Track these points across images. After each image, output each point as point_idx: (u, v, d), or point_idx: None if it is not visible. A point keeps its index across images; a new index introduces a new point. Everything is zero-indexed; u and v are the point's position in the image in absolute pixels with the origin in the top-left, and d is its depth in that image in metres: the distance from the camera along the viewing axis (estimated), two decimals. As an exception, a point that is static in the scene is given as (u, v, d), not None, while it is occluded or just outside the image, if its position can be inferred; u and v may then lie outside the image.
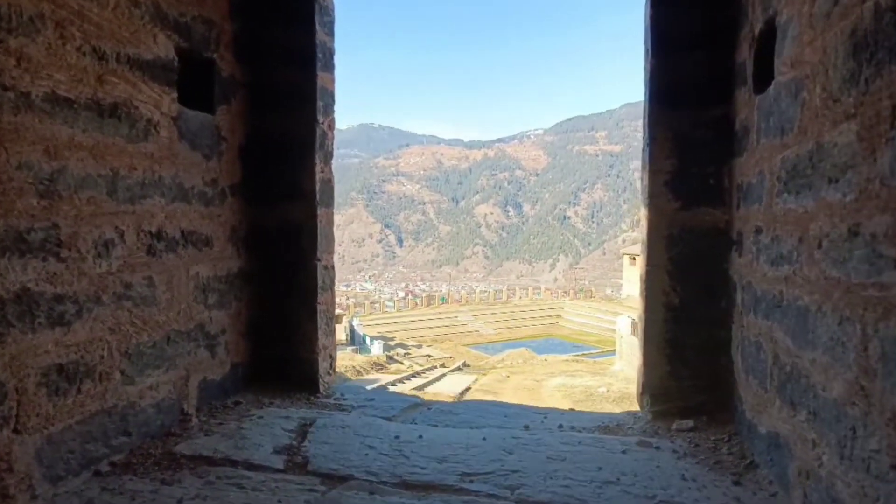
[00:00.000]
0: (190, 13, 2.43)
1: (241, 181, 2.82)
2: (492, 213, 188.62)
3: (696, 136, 2.55)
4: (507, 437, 2.32)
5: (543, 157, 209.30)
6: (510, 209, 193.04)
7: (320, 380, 2.92)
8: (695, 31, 2.51)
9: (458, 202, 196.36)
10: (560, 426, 2.57)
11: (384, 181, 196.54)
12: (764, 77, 2.13)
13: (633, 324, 31.20)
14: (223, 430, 2.32)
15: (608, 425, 2.59)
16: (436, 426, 2.53)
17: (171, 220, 2.33)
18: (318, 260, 2.90)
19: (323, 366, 2.95)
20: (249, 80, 2.85)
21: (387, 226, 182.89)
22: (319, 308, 2.91)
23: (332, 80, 3.02)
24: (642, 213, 2.75)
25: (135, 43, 2.12)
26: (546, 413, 2.73)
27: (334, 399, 2.88)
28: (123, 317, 2.07)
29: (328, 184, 3.00)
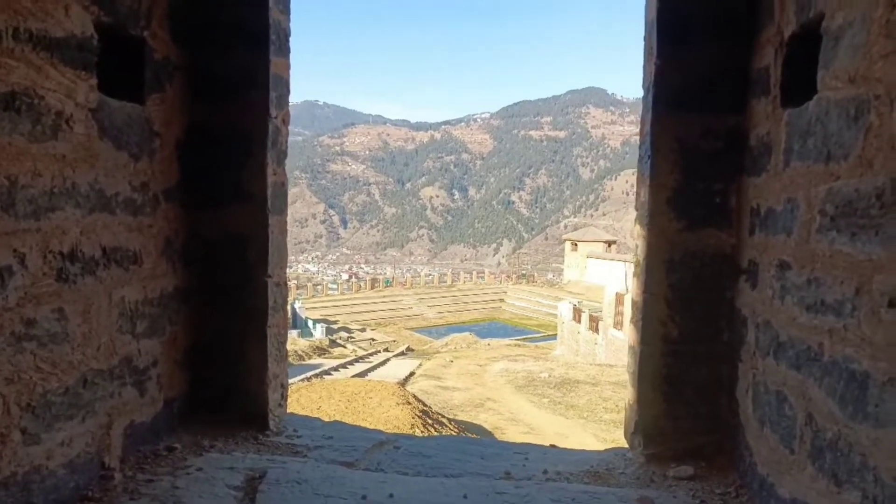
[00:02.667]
0: (114, -19, 1.98)
1: (179, 184, 2.39)
2: (437, 196, 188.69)
3: (704, 149, 2.27)
4: (491, 492, 2.01)
5: (489, 140, 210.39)
6: (456, 192, 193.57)
7: (270, 414, 2.54)
8: (708, 29, 2.23)
9: (403, 184, 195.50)
10: (545, 472, 2.28)
11: (328, 160, 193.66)
12: (796, 89, 1.86)
13: (575, 310, 31.65)
14: (153, 489, 1.93)
15: (597, 471, 2.32)
16: (406, 474, 2.20)
17: (88, 235, 1.90)
18: (269, 276, 2.50)
19: (273, 398, 2.57)
20: (189, 64, 2.41)
21: (331, 206, 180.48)
22: (270, 332, 2.52)
23: (287, 67, 2.60)
24: (638, 233, 2.47)
25: (39, 16, 1.67)
26: (526, 452, 2.44)
27: (286, 436, 2.51)
28: (25, 362, 1.65)
29: (281, 187, 2.60)
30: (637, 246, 2.50)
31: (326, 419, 9.38)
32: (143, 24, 2.14)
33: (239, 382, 2.53)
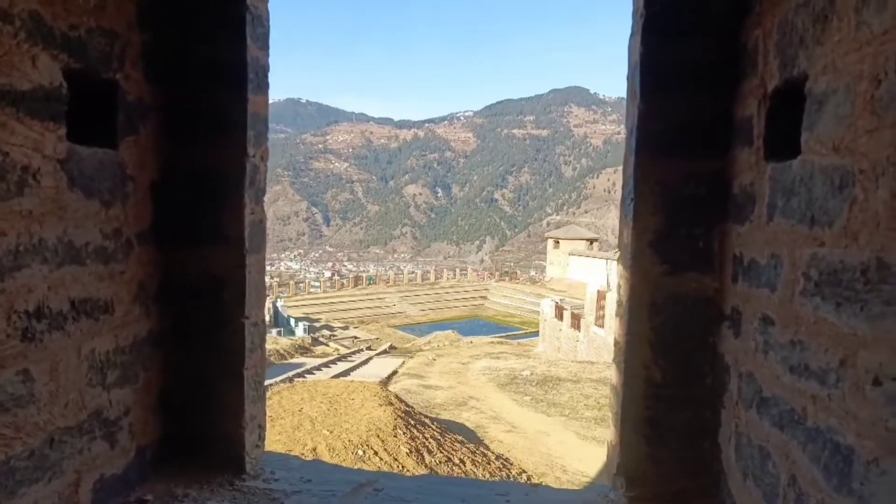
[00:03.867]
0: (84, 25, 1.91)
1: (153, 226, 2.32)
2: (420, 194, 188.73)
3: (687, 192, 2.26)
4: (473, 545, 1.98)
5: (473, 139, 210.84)
6: (439, 190, 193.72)
7: (247, 457, 2.48)
8: (692, 75, 2.21)
9: (387, 182, 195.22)
10: (528, 518, 2.26)
11: (311, 158, 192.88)
12: (779, 144, 1.85)
13: (557, 307, 31.76)
14: (125, 551, 1.87)
15: (581, 515, 2.30)
16: (387, 524, 2.17)
17: (56, 290, 1.84)
18: (246, 317, 2.45)
19: (250, 440, 2.51)
20: (164, 104, 2.34)
21: (313, 204, 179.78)
22: (247, 374, 2.47)
23: (266, 104, 2.54)
24: (621, 275, 2.45)
25: (4, 70, 1.61)
26: (507, 493, 2.41)
27: (263, 480, 2.46)
28: (-14, 430, 1.59)
29: (259, 225, 2.54)
30: (620, 286, 2.48)
31: (308, 423, 9.21)
32: (115, 66, 2.07)
33: (215, 426, 2.47)
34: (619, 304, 2.46)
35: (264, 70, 2.51)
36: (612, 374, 2.57)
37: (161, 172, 2.35)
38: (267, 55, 2.53)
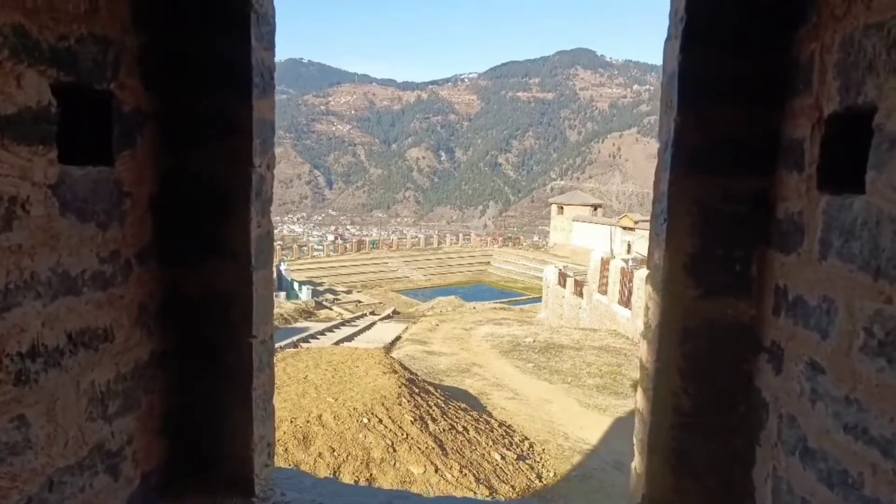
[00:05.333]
0: (74, 34, 1.74)
1: (153, 242, 2.18)
2: (424, 158, 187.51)
3: (726, 212, 2.10)
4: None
5: (477, 101, 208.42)
6: (442, 154, 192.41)
7: (256, 478, 2.39)
8: (734, 88, 2.03)
9: (389, 145, 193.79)
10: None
11: (313, 120, 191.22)
12: (836, 174, 1.69)
13: (560, 274, 31.73)
14: None
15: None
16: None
17: (51, 325, 1.71)
18: (254, 336, 2.32)
19: (259, 461, 2.42)
20: (163, 110, 2.17)
21: (316, 167, 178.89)
22: (255, 394, 2.36)
23: (272, 107, 2.37)
24: (652, 297, 2.31)
25: (-15, 95, 1.45)
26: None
27: (273, 502, 2.37)
28: (-20, 485, 1.48)
29: (267, 238, 2.40)
30: (648, 308, 2.35)
31: (313, 390, 9.24)
32: (109, 75, 1.90)
33: (222, 447, 2.37)
34: (648, 327, 2.33)
35: (270, 72, 2.33)
36: (637, 399, 2.45)
37: (161, 184, 2.20)
38: (273, 54, 2.35)
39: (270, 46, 2.32)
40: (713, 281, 2.14)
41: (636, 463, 2.45)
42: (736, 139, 2.06)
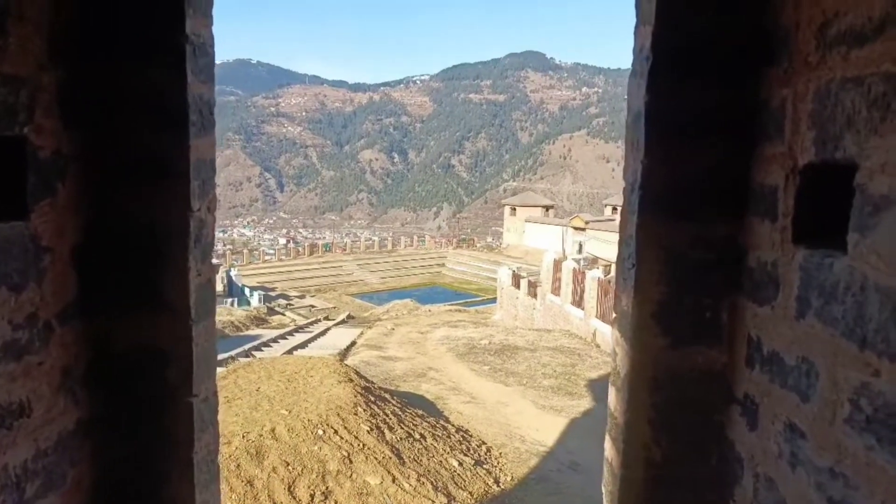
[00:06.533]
0: (-24, 76, 1.53)
1: (78, 298, 1.97)
2: (377, 160, 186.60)
3: (694, 259, 2.02)
4: None
5: (429, 103, 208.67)
6: (395, 155, 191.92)
7: (197, 550, 2.19)
8: (704, 127, 1.95)
9: (342, 146, 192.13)
10: None
11: (263, 122, 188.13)
12: (812, 227, 1.62)
13: (514, 275, 31.96)
14: None
15: None
16: None
17: (-47, 409, 1.49)
18: (195, 395, 2.13)
19: (202, 529, 2.22)
20: (88, 151, 1.96)
21: (266, 169, 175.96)
22: (196, 458, 2.16)
23: (213, 145, 2.18)
24: (620, 344, 2.22)
25: None
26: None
27: (219, 574, 2.18)
28: None
29: (208, 286, 2.20)
30: (617, 355, 2.25)
31: (266, 402, 8.96)
32: (22, 119, 1.69)
33: (161, 518, 2.17)
34: (616, 373, 2.24)
35: (209, 107, 2.14)
36: (606, 448, 2.36)
37: (86, 233, 1.99)
38: (212, 88, 2.16)
39: (209, 79, 2.12)
40: (682, 329, 2.06)
41: (606, 515, 2.35)
42: (704, 183, 1.98)
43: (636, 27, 2.13)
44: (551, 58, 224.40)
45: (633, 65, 2.13)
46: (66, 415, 1.94)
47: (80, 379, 1.99)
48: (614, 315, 2.32)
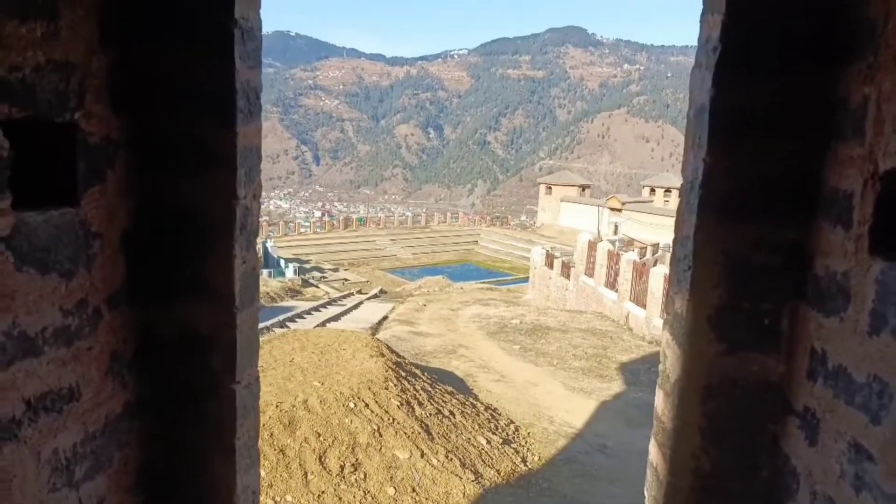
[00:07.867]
0: (29, 63, 1.51)
1: (126, 283, 1.97)
2: (412, 135, 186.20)
3: (756, 263, 1.92)
4: None
5: (466, 78, 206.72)
6: (431, 131, 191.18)
7: (238, 534, 2.21)
8: (773, 125, 1.84)
9: (378, 121, 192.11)
10: None
11: (301, 94, 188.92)
12: (888, 237, 1.51)
13: (547, 255, 31.72)
14: None
15: None
16: None
17: (6, 394, 1.50)
18: (238, 382, 2.13)
19: (243, 513, 2.24)
20: (136, 137, 1.95)
21: (303, 142, 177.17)
22: (238, 444, 2.17)
23: (259, 131, 2.15)
24: (671, 347, 2.14)
25: (-82, 147, 1.23)
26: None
27: (258, 558, 2.20)
28: None
29: (252, 274, 2.19)
30: (667, 358, 2.18)
31: (300, 374, 9.12)
32: (73, 105, 1.67)
33: (203, 501, 2.19)
34: (666, 378, 2.16)
35: (256, 93, 2.10)
36: (651, 452, 2.30)
37: (135, 219, 1.98)
38: (259, 73, 2.12)
39: (256, 64, 2.08)
40: (739, 336, 1.97)
41: (648, 519, 2.30)
42: (770, 184, 1.87)
43: (702, 15, 2.02)
44: (592, 33, 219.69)
45: (696, 56, 2.02)
46: (114, 399, 1.95)
47: (127, 364, 2.01)
48: (665, 316, 2.24)
